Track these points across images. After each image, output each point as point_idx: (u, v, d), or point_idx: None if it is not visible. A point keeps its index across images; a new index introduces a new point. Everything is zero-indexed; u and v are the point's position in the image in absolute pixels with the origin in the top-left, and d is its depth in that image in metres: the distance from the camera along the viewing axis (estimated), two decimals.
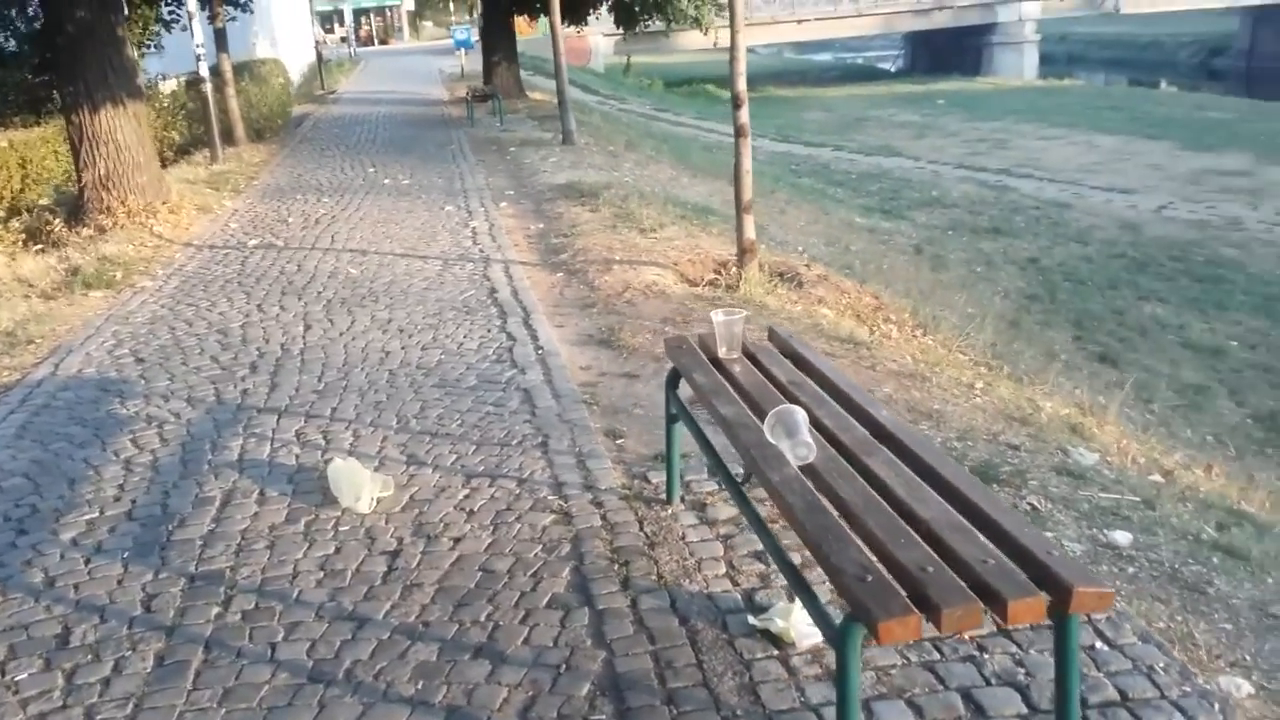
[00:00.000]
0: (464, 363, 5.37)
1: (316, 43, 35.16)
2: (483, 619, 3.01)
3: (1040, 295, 11.88)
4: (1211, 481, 4.96)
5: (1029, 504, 3.51)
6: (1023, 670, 2.52)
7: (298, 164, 14.18)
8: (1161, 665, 2.49)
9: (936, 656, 2.61)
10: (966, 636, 2.64)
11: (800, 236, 10.88)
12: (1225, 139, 23.22)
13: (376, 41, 65.00)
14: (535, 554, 3.36)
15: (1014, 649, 2.60)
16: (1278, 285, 12.49)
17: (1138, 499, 3.69)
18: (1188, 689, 2.39)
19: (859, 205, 17.42)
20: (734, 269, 6.72)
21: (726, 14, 6.51)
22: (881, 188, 19.64)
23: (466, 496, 3.83)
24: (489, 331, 5.89)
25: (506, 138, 15.48)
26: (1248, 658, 2.64)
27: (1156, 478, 4.27)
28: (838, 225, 14.43)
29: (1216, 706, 2.32)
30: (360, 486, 3.84)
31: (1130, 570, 3.09)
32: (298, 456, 4.32)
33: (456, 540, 3.49)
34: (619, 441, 4.25)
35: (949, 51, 47.51)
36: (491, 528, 3.56)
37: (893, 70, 55.87)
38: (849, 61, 62.25)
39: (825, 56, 64.26)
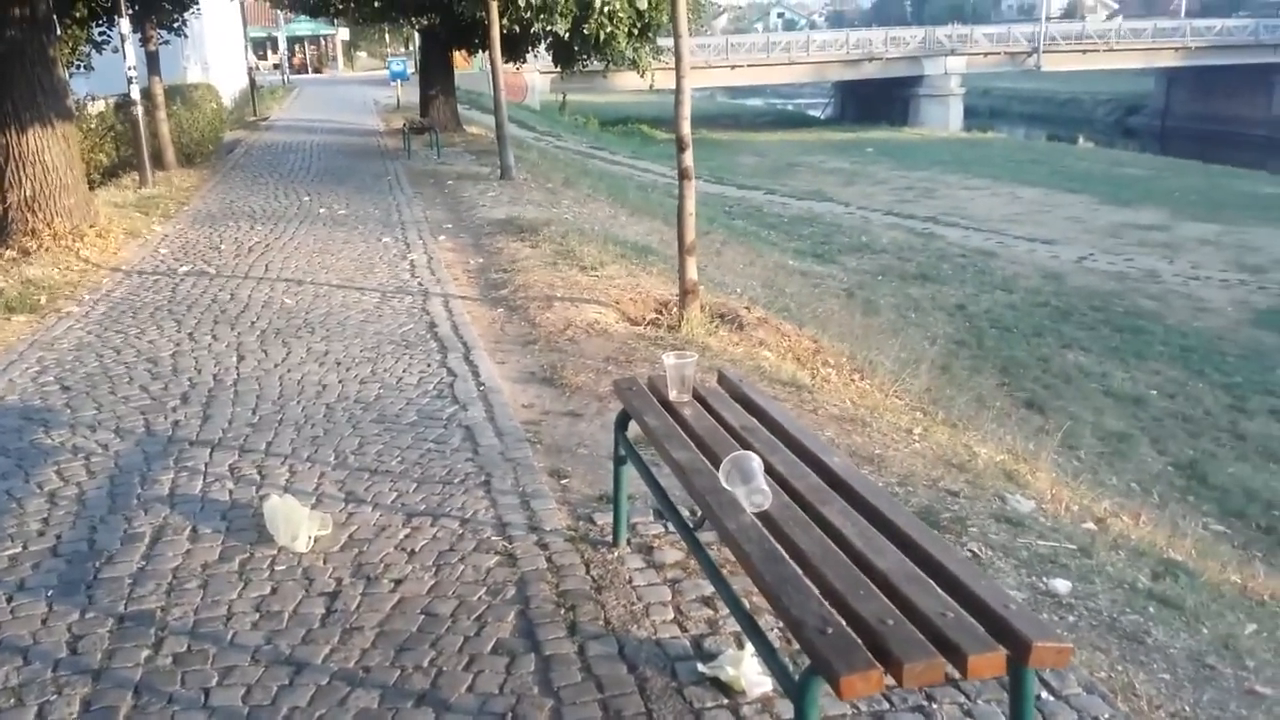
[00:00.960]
0: (404, 397, 5.30)
1: (250, 69, 34.73)
2: (425, 664, 2.95)
3: (968, 341, 12.13)
4: (1140, 529, 5.08)
5: (970, 551, 3.55)
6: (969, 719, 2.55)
7: (230, 190, 13.95)
8: (1106, 716, 2.53)
9: (886, 706, 2.62)
10: (916, 687, 2.65)
11: (737, 278, 10.98)
12: (1142, 194, 24.07)
13: (310, 70, 64.49)
14: (479, 597, 3.31)
15: (962, 699, 2.63)
16: (1194, 337, 12.93)
17: (1074, 547, 3.77)
18: None
19: (792, 248, 17.67)
20: (675, 309, 6.75)
21: (663, 58, 6.57)
22: (813, 231, 19.95)
23: (407, 536, 3.76)
24: (429, 366, 5.82)
25: (444, 170, 15.42)
26: (1187, 708, 2.69)
27: (1090, 525, 4.37)
28: (772, 267, 14.60)
29: None
30: (297, 525, 3.74)
31: (1070, 619, 3.14)
32: (231, 492, 4.20)
33: (398, 582, 3.42)
34: (563, 481, 4.22)
35: (877, 101, 48.64)
36: (434, 570, 3.50)
37: (823, 117, 57.03)
38: (780, 107, 63.44)
39: (757, 102, 65.40)
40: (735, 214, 21.68)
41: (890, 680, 1.80)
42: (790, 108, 63.85)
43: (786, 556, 2.21)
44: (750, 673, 2.73)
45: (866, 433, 4.65)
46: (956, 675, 1.80)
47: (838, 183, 28.63)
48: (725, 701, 2.71)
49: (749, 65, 46.19)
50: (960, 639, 1.81)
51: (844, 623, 1.94)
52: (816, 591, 2.06)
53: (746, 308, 7.12)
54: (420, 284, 7.95)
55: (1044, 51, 46.02)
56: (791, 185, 27.70)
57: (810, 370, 5.97)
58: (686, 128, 6.51)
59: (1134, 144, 42.26)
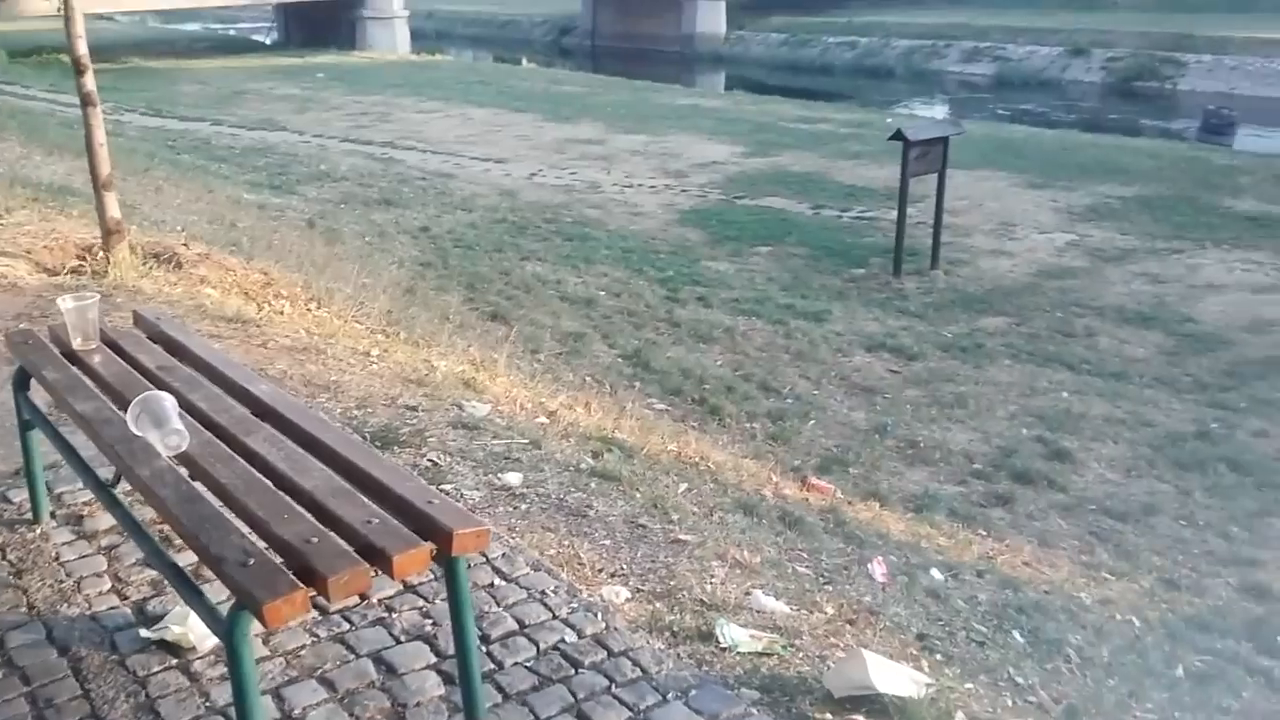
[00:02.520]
0: None
1: None
2: None
3: (434, 262, 12.30)
4: (590, 418, 5.50)
5: (430, 460, 3.60)
6: (430, 621, 2.59)
7: None
8: (552, 589, 2.70)
9: (347, 627, 2.59)
10: (375, 600, 2.65)
11: (180, 215, 10.13)
12: (579, 111, 25.79)
13: None
14: None
15: (421, 603, 2.66)
16: (632, 239, 14.20)
17: (526, 441, 3.97)
18: (575, 605, 2.62)
19: (246, 181, 16.73)
20: (100, 253, 6.06)
21: None
22: (268, 162, 19.05)
23: None
24: None
25: None
26: (624, 567, 2.96)
27: (543, 420, 4.64)
28: (224, 202, 13.70)
29: (599, 615, 2.57)
30: None
31: (523, 507, 3.31)
32: None
33: None
34: None
35: (324, 25, 47.08)
36: None
37: (268, 42, 54.11)
38: (221, 33, 59.21)
39: (194, 26, 60.50)
40: (180, 148, 20.04)
41: (322, 600, 1.74)
42: (232, 33, 59.81)
43: (207, 494, 2.06)
44: (198, 626, 2.55)
45: (322, 360, 4.54)
46: (384, 577, 1.78)
47: (290, 110, 27.42)
48: (174, 662, 2.51)
49: None
50: (385, 542, 1.80)
51: (269, 551, 1.85)
52: (241, 525, 1.94)
53: (185, 245, 6.58)
54: None
55: None
56: (241, 114, 26.07)
57: (260, 304, 5.69)
58: (83, 47, 5.78)
59: (570, 63, 45.10)
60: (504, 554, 2.81)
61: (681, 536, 3.19)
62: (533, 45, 52.97)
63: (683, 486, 4.29)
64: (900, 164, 11.96)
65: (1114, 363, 9.89)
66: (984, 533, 6.06)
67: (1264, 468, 7.58)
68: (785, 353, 9.78)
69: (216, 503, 2.04)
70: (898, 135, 11.78)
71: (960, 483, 7.07)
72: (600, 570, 2.91)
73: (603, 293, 11.60)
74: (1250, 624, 5.24)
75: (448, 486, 3.31)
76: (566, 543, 3.05)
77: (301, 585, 1.71)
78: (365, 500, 1.96)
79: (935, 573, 4.57)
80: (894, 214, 12.42)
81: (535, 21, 56.94)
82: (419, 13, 50.87)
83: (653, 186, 17.74)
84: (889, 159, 14.00)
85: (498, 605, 2.62)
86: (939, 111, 32.60)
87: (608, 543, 3.10)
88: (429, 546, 1.82)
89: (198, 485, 2.10)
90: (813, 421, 7.91)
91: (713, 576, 2.92)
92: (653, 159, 20.11)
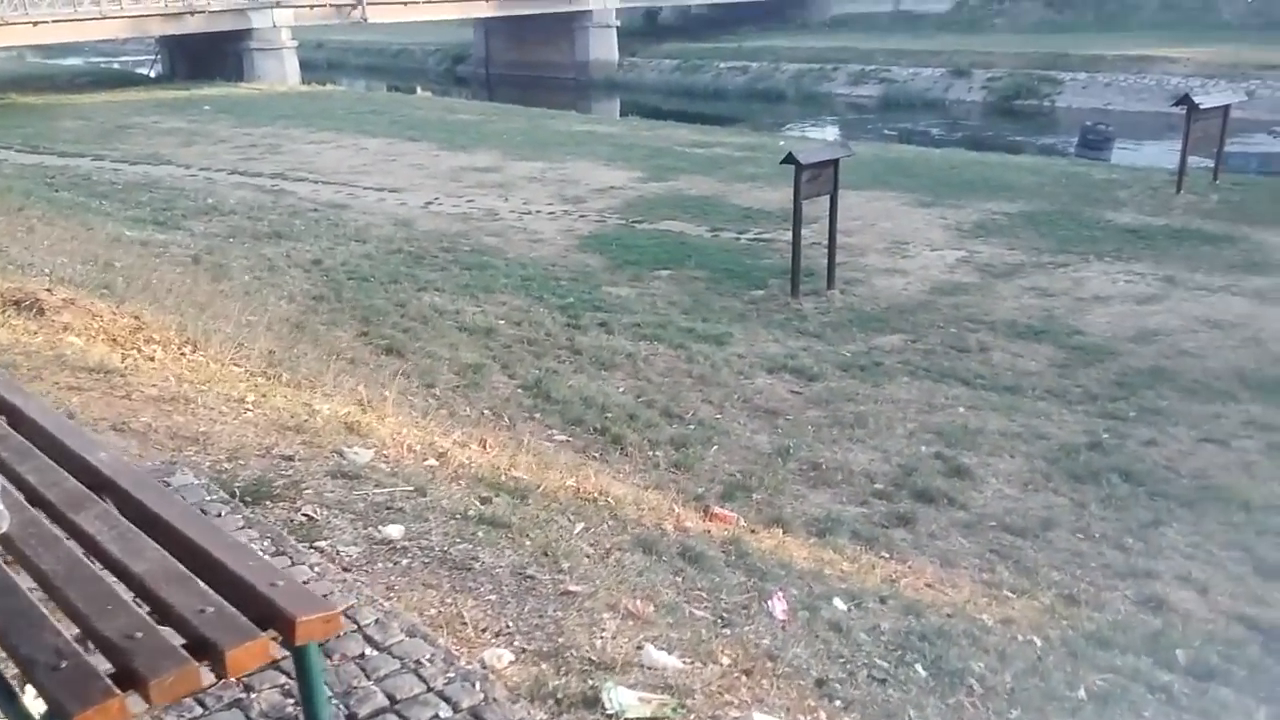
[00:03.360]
0: None
1: None
2: None
3: (326, 295, 11.96)
4: (485, 455, 5.32)
5: (305, 514, 3.40)
6: (293, 701, 2.39)
7: None
8: (428, 657, 2.53)
9: (199, 711, 2.38)
10: (234, 679, 2.43)
11: (50, 257, 9.66)
12: (476, 139, 25.56)
13: None
14: None
15: (283, 680, 2.46)
16: (532, 267, 14.03)
17: (411, 488, 3.78)
18: (451, 674, 2.45)
19: (128, 217, 16.14)
20: None
21: None
22: (153, 198, 18.43)
23: None
24: None
25: None
26: (510, 624, 2.80)
27: (432, 462, 4.45)
28: (103, 241, 13.17)
29: (477, 685, 2.40)
30: None
31: (404, 562, 3.12)
32: None
33: None
34: None
35: (210, 57, 45.92)
36: None
37: (152, 75, 52.62)
38: (103, 66, 57.43)
39: (75, 60, 58.58)
40: (59, 185, 19.28)
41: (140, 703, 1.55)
42: (116, 66, 58.02)
43: (21, 585, 1.84)
44: None
45: (191, 410, 4.27)
46: (214, 679, 1.60)
47: (176, 143, 26.61)
48: None
49: (55, 21, 40.82)
50: (219, 635, 1.62)
51: (88, 649, 1.65)
52: (56, 620, 1.74)
53: (48, 290, 6.22)
54: None
55: (368, 4, 46.64)
56: (124, 149, 25.22)
57: (127, 351, 5.37)
58: None
59: (465, 91, 44.83)
60: (377, 619, 2.62)
61: (572, 588, 3.04)
62: (427, 74, 52.56)
63: (579, 527, 4.14)
64: (793, 187, 12.03)
65: (1007, 376, 10.06)
66: (887, 555, 6.04)
67: (1155, 476, 7.75)
68: (688, 377, 9.72)
69: (36, 593, 1.82)
70: (789, 159, 11.87)
71: (862, 503, 7.06)
72: (484, 630, 2.74)
73: (502, 321, 11.41)
74: (1149, 638, 5.29)
75: (323, 543, 3.11)
76: (449, 600, 2.88)
77: (118, 691, 1.52)
78: (202, 585, 1.77)
79: (838, 602, 4.50)
80: (790, 235, 12.50)
81: (429, 50, 56.49)
82: (308, 43, 49.99)
83: (551, 213, 17.61)
84: (783, 181, 14.10)
85: (368, 679, 2.44)
86: (829, 133, 33.24)
87: (493, 598, 2.94)
88: (268, 637, 1.65)
89: (15, 573, 1.88)
90: (716, 447, 7.84)
91: (603, 630, 2.78)
92: (550, 185, 20.00)
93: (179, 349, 5.53)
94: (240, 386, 4.98)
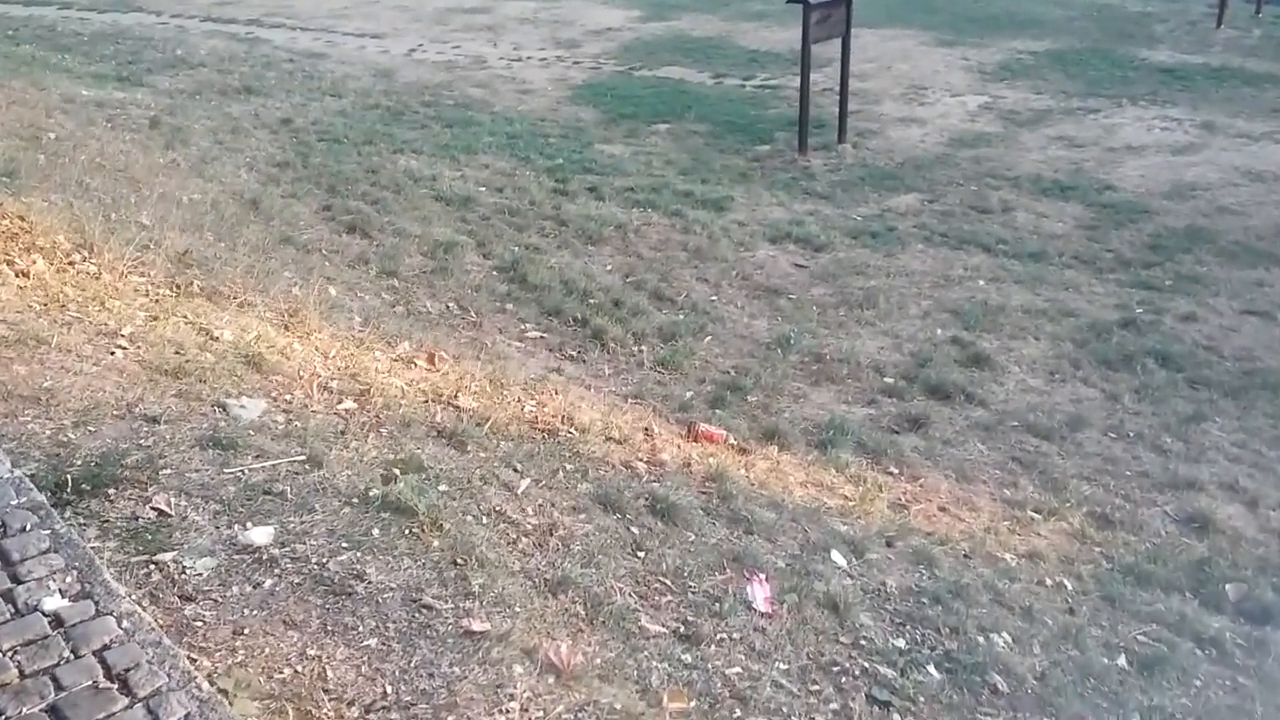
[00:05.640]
0: None
1: None
2: None
3: (291, 161, 11.01)
4: (431, 376, 4.58)
5: (155, 508, 2.68)
6: None
7: None
8: None
9: None
10: None
11: None
12: None
13: None
14: None
15: None
16: (519, 123, 12.99)
17: (304, 455, 3.05)
18: None
19: (90, 73, 15.01)
20: None
21: None
22: (118, 50, 17.23)
23: None
24: None
25: None
26: (388, 690, 2.11)
27: (348, 405, 3.70)
28: (54, 104, 12.15)
29: None
30: None
31: (267, 584, 2.42)
32: None
33: None
34: None
35: None
36: None
37: None
38: None
39: None
40: (20, 38, 18.02)
41: None
42: None
43: None
44: None
45: (42, 354, 3.47)
46: None
47: None
48: None
49: None
50: None
51: None
52: None
53: None
54: None
55: None
56: None
57: None
58: None
59: None
60: (199, 709, 1.93)
61: (476, 626, 2.34)
62: None
63: (525, 483, 3.44)
64: (801, 30, 10.88)
65: (1032, 241, 9.21)
66: (895, 470, 5.35)
67: (1194, 359, 7.00)
68: (683, 250, 8.89)
69: None
70: None
71: (870, 403, 6.34)
72: (351, 702, 2.06)
73: (483, 189, 10.49)
74: (1193, 569, 4.64)
75: (168, 556, 2.41)
76: (314, 651, 2.18)
77: None
78: None
79: (837, 557, 3.83)
80: (799, 82, 11.42)
81: None
82: None
83: (543, 59, 16.38)
84: (793, 19, 12.86)
85: None
86: None
87: (373, 643, 2.24)
88: None
89: None
90: (709, 338, 7.08)
91: (510, 698, 2.10)
92: (543, 27, 18.66)
93: (66, 257, 4.68)
94: (131, 308, 4.17)
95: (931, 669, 3.02)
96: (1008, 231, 9.45)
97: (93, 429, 3.03)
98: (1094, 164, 11.08)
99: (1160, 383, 6.68)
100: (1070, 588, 4.27)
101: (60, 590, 2.13)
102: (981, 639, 3.42)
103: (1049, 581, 4.29)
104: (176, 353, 3.70)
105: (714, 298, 7.89)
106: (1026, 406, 6.33)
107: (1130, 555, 4.73)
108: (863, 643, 3.05)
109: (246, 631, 2.19)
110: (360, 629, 2.28)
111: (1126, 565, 4.61)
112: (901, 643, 3.15)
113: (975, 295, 8.04)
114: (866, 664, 2.90)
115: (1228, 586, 4.53)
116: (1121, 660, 3.67)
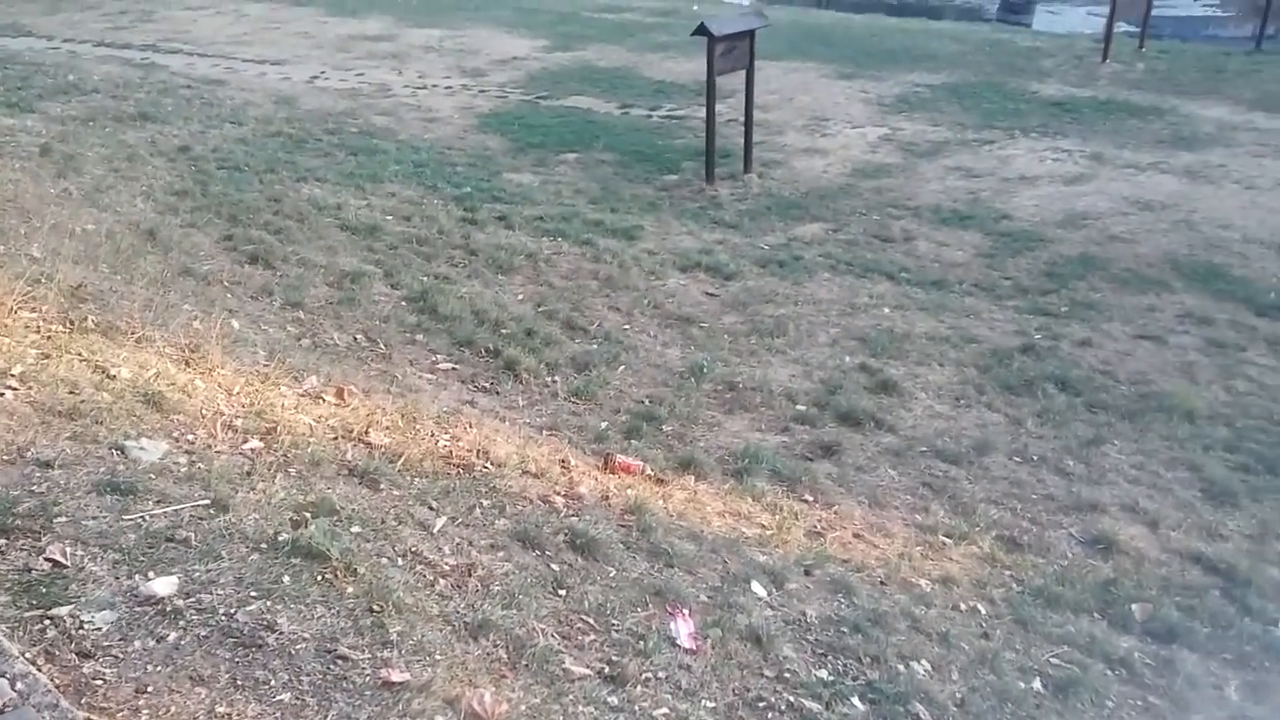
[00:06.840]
0: None
1: None
2: None
3: (190, 190, 10.69)
4: (341, 410, 4.46)
5: (50, 559, 2.54)
6: None
7: None
8: None
9: None
10: None
11: None
12: (366, 3, 23.65)
13: None
14: None
15: None
16: (425, 151, 12.86)
17: (208, 499, 2.93)
18: None
19: None
20: None
21: None
22: (6, 75, 16.57)
23: None
24: None
25: None
26: None
27: (254, 444, 3.58)
28: None
29: None
30: None
31: (171, 638, 2.30)
32: None
33: None
34: None
35: None
36: None
37: None
38: None
39: None
40: None
41: None
42: None
43: None
44: None
45: None
46: None
47: (39, 11, 24.22)
48: None
49: None
50: None
51: None
52: None
53: None
54: None
55: None
56: None
57: None
58: None
59: None
60: None
61: (395, 677, 2.26)
62: None
63: (441, 522, 3.35)
64: (706, 62, 11.01)
65: (933, 269, 9.43)
66: (810, 498, 5.39)
67: (1092, 384, 7.21)
68: (594, 280, 8.87)
69: None
70: (701, 30, 10.79)
71: (783, 430, 6.38)
72: None
73: (390, 217, 10.34)
74: (1100, 590, 4.76)
75: (64, 610, 2.27)
76: (221, 710, 2.08)
77: None
78: None
79: (757, 588, 3.83)
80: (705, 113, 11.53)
81: None
82: None
83: (449, 88, 16.28)
84: (698, 51, 13.01)
85: None
86: None
87: (285, 698, 2.15)
88: None
89: None
90: (622, 367, 7.06)
91: None
92: (448, 56, 18.55)
93: None
94: (21, 345, 3.98)
95: (856, 700, 3.02)
96: (910, 260, 9.65)
97: None
98: (990, 194, 11.40)
99: (1060, 407, 6.86)
100: (984, 612, 4.33)
101: None
102: (902, 667, 3.44)
103: (963, 606, 4.34)
104: (71, 393, 3.52)
105: (626, 327, 7.87)
106: (934, 432, 6.43)
107: (1039, 578, 4.83)
108: (787, 675, 3.04)
109: (150, 689, 2.08)
110: (272, 683, 2.18)
111: (1036, 588, 4.70)
112: (825, 674, 3.15)
113: (881, 323, 8.17)
114: (792, 698, 2.89)
115: (1134, 607, 4.64)
116: (1037, 684, 3.73)
